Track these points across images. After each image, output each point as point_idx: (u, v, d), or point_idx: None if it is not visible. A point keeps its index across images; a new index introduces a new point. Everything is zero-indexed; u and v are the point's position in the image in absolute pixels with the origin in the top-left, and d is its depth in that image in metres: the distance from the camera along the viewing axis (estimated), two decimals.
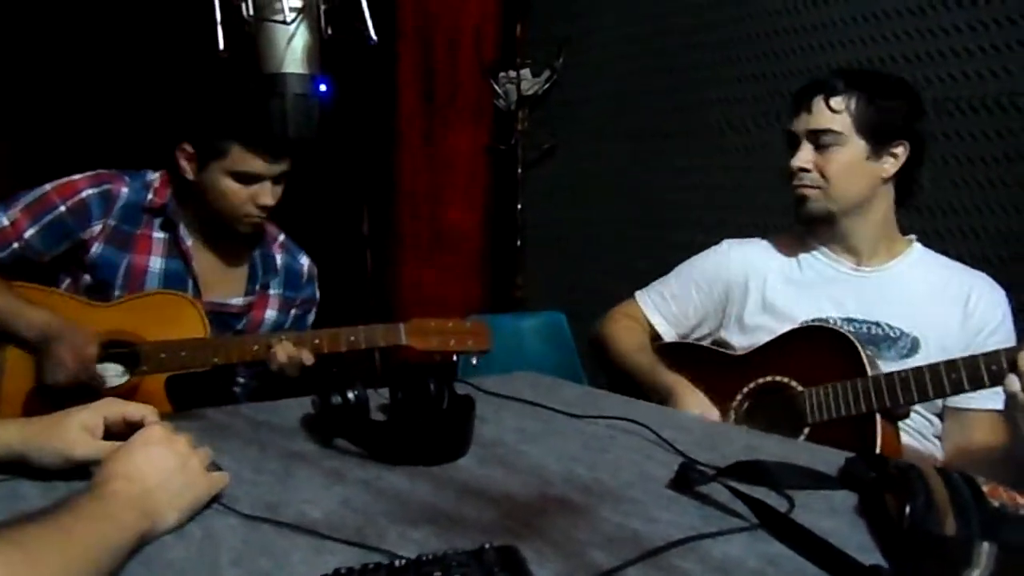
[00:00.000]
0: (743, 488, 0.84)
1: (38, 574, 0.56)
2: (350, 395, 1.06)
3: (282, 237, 1.71)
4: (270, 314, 1.66)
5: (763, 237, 1.64)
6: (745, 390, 1.43)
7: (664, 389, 1.47)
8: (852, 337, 1.34)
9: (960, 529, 0.70)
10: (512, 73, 2.89)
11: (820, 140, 1.42)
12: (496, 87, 2.93)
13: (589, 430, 1.17)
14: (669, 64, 2.56)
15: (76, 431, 0.85)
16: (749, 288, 1.55)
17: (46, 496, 0.83)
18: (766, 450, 1.08)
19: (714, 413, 1.41)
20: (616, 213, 2.78)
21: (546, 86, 2.90)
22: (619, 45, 2.73)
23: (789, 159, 1.47)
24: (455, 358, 1.55)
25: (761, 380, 1.42)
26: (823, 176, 1.43)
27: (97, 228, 1.49)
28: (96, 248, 1.49)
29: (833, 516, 0.83)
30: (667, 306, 1.66)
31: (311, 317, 1.75)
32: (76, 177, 1.49)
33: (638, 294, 1.71)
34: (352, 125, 2.55)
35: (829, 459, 1.00)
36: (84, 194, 1.48)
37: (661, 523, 0.80)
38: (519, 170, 2.98)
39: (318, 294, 1.76)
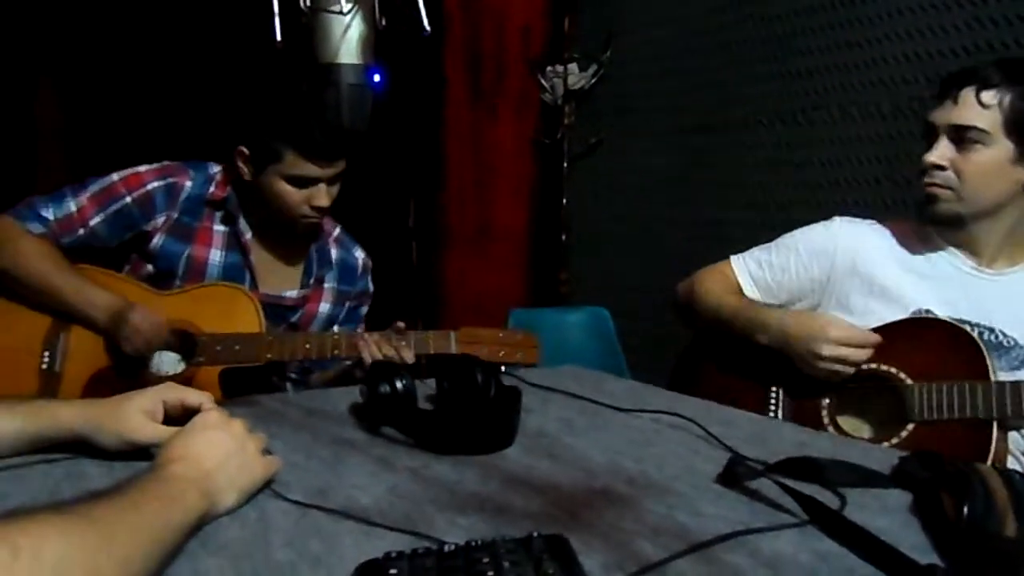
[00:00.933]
0: (793, 484, 0.83)
1: (110, 549, 0.57)
2: (398, 384, 1.07)
3: (337, 231, 1.73)
4: (324, 307, 1.68)
5: (878, 221, 1.54)
6: None
7: (775, 326, 1.41)
8: (976, 337, 1.26)
9: (1021, 529, 0.68)
10: (559, 67, 2.88)
11: (962, 136, 1.30)
12: (543, 81, 2.93)
13: (634, 423, 1.17)
14: (717, 57, 2.53)
15: (136, 415, 0.88)
16: (857, 269, 1.46)
17: (108, 475, 0.85)
18: (816, 447, 1.06)
19: (857, 333, 1.33)
20: (662, 208, 2.76)
21: (593, 80, 2.89)
22: (666, 39, 2.70)
23: (924, 150, 1.35)
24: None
25: (864, 366, 1.35)
26: (958, 176, 1.31)
27: (161, 220, 1.53)
28: (158, 239, 1.53)
29: (886, 515, 0.81)
30: (762, 274, 1.58)
31: (364, 309, 1.77)
32: (143, 168, 1.53)
33: (733, 258, 1.63)
34: (399, 118, 2.57)
35: (881, 458, 0.98)
36: (150, 186, 1.51)
37: (709, 517, 0.80)
38: (565, 164, 2.97)
39: (372, 287, 1.77)
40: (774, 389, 1.47)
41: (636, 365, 2.29)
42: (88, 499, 0.63)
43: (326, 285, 1.69)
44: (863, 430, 1.38)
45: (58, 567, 0.53)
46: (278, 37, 0.66)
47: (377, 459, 0.97)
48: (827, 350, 1.34)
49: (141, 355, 1.41)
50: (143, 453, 0.87)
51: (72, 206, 1.49)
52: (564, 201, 3.00)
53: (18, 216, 1.46)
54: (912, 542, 0.74)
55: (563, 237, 3.02)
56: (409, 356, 1.45)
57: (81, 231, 1.49)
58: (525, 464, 0.96)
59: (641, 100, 2.81)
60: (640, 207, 2.84)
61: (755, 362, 1.48)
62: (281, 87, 1.52)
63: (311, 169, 1.48)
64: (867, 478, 0.90)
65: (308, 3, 0.63)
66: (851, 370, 1.35)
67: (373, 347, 1.44)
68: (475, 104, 2.93)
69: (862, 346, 1.34)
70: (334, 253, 1.70)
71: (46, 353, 1.44)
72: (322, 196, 1.52)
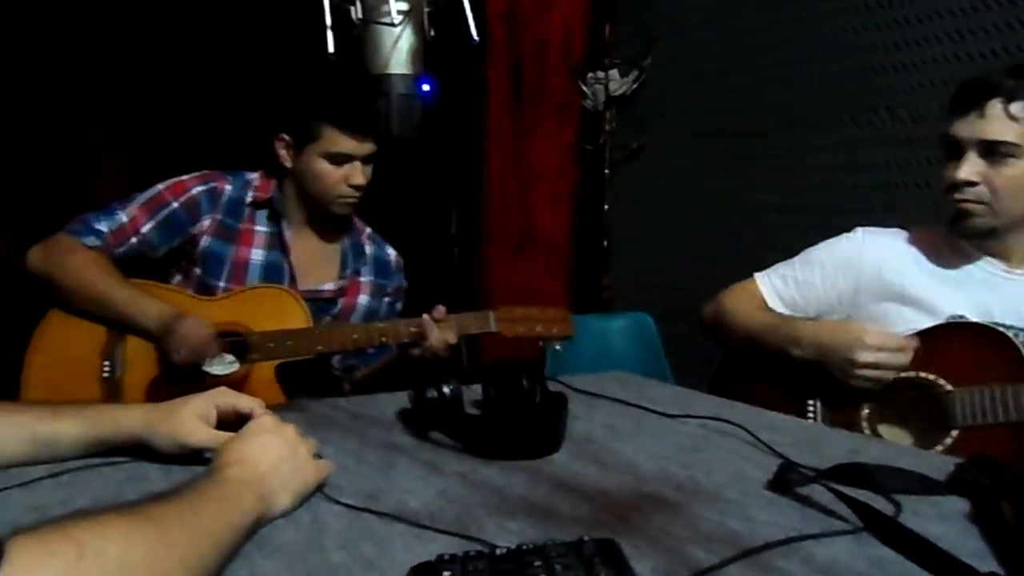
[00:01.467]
0: (846, 491, 0.82)
1: (170, 549, 0.59)
2: (445, 390, 1.08)
3: (369, 230, 1.81)
4: (363, 299, 1.74)
5: (902, 228, 1.53)
6: None
7: (809, 339, 1.40)
8: (1013, 339, 1.24)
9: None
10: (600, 73, 2.88)
11: (993, 150, 1.27)
12: (584, 87, 2.93)
13: (681, 429, 1.16)
14: (759, 60, 2.51)
15: (190, 419, 0.90)
16: (884, 279, 1.45)
17: (167, 478, 0.88)
18: (868, 453, 1.05)
19: (892, 339, 1.31)
20: (704, 213, 2.74)
21: (634, 86, 2.88)
22: (707, 43, 2.69)
23: (948, 167, 1.33)
24: (542, 344, 1.58)
25: (901, 374, 1.33)
26: (991, 190, 1.29)
27: (206, 223, 1.60)
28: (205, 241, 1.60)
29: (943, 522, 0.80)
30: (788, 290, 1.58)
31: (400, 305, 1.83)
32: (185, 177, 1.61)
33: (757, 275, 1.63)
34: (442, 125, 2.59)
35: (937, 464, 0.96)
36: (194, 191, 1.59)
37: (760, 523, 0.79)
38: (606, 170, 2.97)
39: (406, 283, 1.84)
40: (811, 402, 1.45)
41: (680, 370, 2.27)
42: (148, 500, 0.65)
43: (363, 278, 1.75)
44: (904, 438, 1.36)
45: (121, 565, 0.55)
46: (330, 49, 0.67)
47: (426, 463, 0.98)
48: (865, 356, 1.32)
49: (190, 364, 1.45)
50: (201, 457, 0.89)
51: (123, 217, 1.55)
52: (605, 207, 3.00)
53: (73, 232, 1.53)
54: (971, 549, 0.73)
55: (605, 243, 3.01)
56: (452, 336, 1.51)
57: (134, 239, 1.56)
58: (572, 469, 0.97)
59: (682, 104, 2.80)
60: (682, 212, 2.83)
61: (789, 375, 1.46)
62: (318, 75, 1.57)
63: (347, 144, 1.56)
64: (922, 485, 0.89)
65: (360, 15, 0.65)
66: (891, 376, 1.33)
67: (432, 328, 1.49)
68: (517, 111, 2.94)
69: (900, 350, 1.32)
70: (368, 248, 1.78)
71: (106, 362, 1.49)
72: (358, 174, 1.60)
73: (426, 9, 0.73)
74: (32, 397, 1.45)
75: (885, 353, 1.32)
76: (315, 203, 1.65)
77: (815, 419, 1.44)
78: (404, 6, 0.69)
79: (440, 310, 1.53)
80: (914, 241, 1.49)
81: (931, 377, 1.31)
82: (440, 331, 1.50)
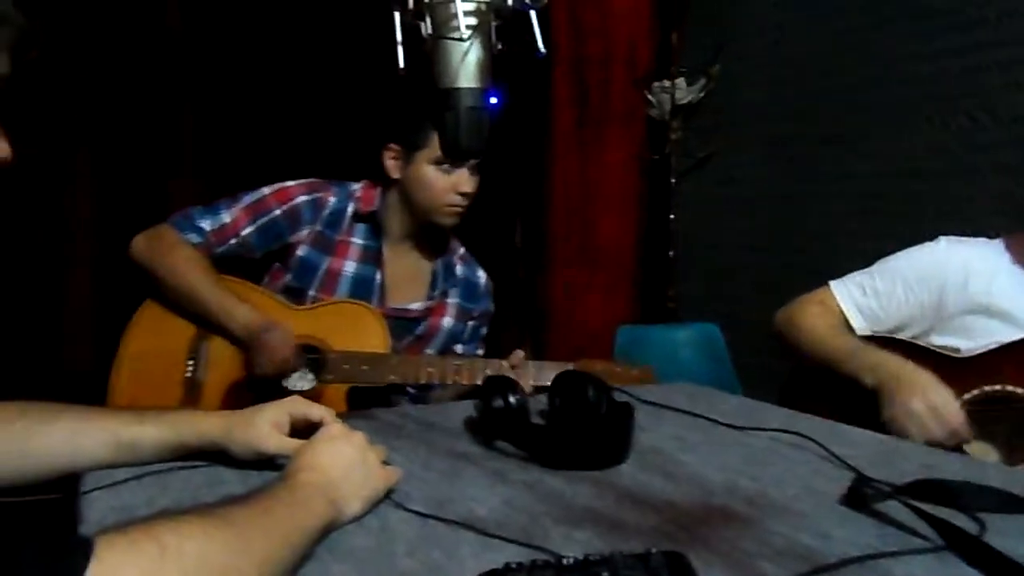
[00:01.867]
0: (925, 508, 0.79)
1: (247, 551, 0.61)
2: (511, 399, 1.09)
3: (462, 250, 1.80)
4: (447, 321, 1.73)
5: (987, 237, 1.49)
6: (966, 396, 1.32)
7: (882, 370, 1.36)
8: None
9: None
10: (666, 82, 2.86)
11: None
12: (649, 97, 2.91)
13: (751, 442, 1.14)
14: (829, 67, 2.46)
15: (264, 426, 0.93)
16: (969, 291, 1.41)
17: (243, 482, 0.90)
18: (946, 469, 1.01)
19: (953, 406, 1.28)
20: (773, 222, 2.68)
21: (701, 94, 2.85)
22: (777, 49, 2.64)
23: None
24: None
25: (988, 388, 1.30)
26: None
27: (305, 232, 1.62)
28: (302, 251, 1.62)
29: None
30: (867, 301, 1.53)
31: (485, 330, 1.82)
32: (291, 184, 1.64)
33: (833, 284, 1.59)
34: (505, 136, 2.61)
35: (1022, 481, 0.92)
36: (298, 200, 1.62)
37: (834, 539, 0.77)
38: (672, 180, 2.94)
39: (493, 307, 1.82)
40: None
41: (749, 382, 2.23)
42: (226, 503, 0.67)
43: (450, 300, 1.74)
44: (991, 454, 1.31)
45: (199, 564, 0.57)
46: (401, 64, 0.69)
47: (492, 472, 0.98)
48: (923, 405, 1.29)
49: (271, 377, 1.48)
50: (275, 462, 0.92)
51: (227, 217, 1.59)
52: (671, 217, 2.97)
53: (177, 226, 1.57)
54: None
55: (671, 253, 2.98)
56: (527, 386, 1.45)
57: (233, 241, 1.59)
58: (639, 481, 0.96)
59: (752, 112, 2.75)
60: (751, 221, 2.78)
61: (860, 399, 1.42)
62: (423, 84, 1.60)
63: None
64: (1009, 503, 0.85)
65: (429, 31, 0.66)
66: (938, 432, 1.28)
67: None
68: (581, 122, 2.94)
69: (949, 423, 1.28)
70: (459, 269, 1.77)
71: (190, 362, 1.54)
72: (466, 182, 1.61)
73: (494, 23, 0.74)
74: (121, 386, 1.51)
75: (935, 419, 1.29)
76: (420, 214, 1.65)
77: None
78: (473, 20, 0.70)
79: (518, 356, 1.52)
80: (1000, 251, 1.44)
81: (1019, 391, 1.26)
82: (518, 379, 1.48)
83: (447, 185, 1.61)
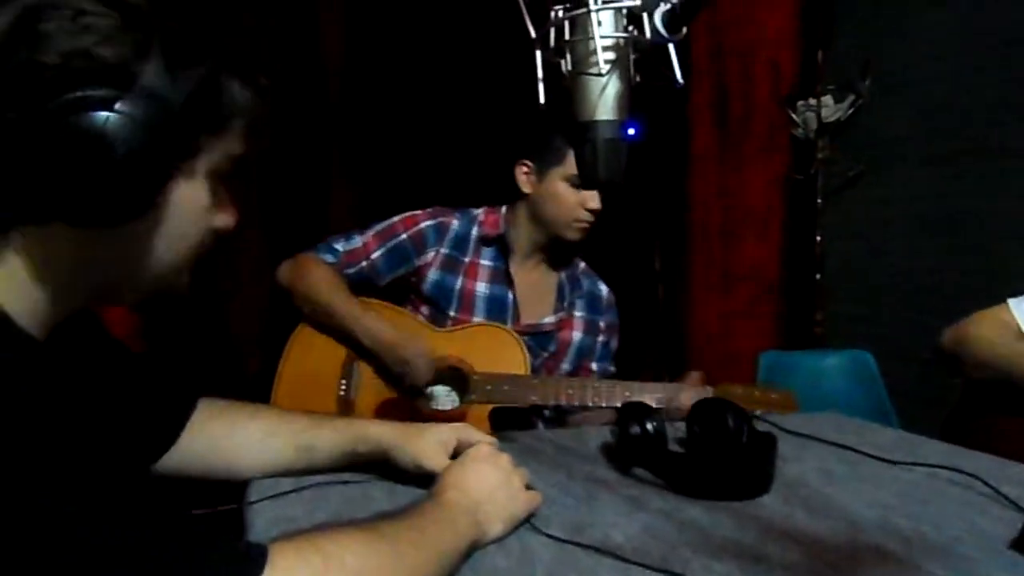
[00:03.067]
0: None
1: (401, 565, 0.66)
2: (648, 426, 1.08)
3: (583, 264, 1.85)
4: (577, 335, 1.78)
5: None
6: None
7: None
8: None
9: None
10: (812, 101, 2.77)
11: None
12: (793, 116, 2.82)
13: (905, 477, 1.08)
14: (989, 76, 2.29)
15: (432, 444, 0.97)
16: None
17: (390, 498, 0.95)
18: None
19: None
20: (931, 243, 2.52)
21: (850, 111, 2.73)
22: (931, 61, 2.49)
23: None
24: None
25: None
26: None
27: (431, 255, 1.71)
28: (433, 274, 1.71)
29: None
30: None
31: (615, 344, 1.84)
32: (417, 212, 1.74)
33: (1012, 302, 1.50)
34: (644, 160, 2.61)
35: None
36: (423, 225, 1.71)
37: None
38: (819, 200, 2.83)
39: (618, 320, 1.85)
40: None
41: (905, 414, 2.10)
42: (381, 518, 0.72)
43: (576, 313, 1.79)
44: None
45: (359, 575, 0.62)
46: (541, 100, 0.72)
47: (629, 499, 0.99)
48: None
49: (415, 387, 1.55)
50: (422, 481, 0.96)
51: (359, 241, 1.70)
52: (818, 239, 2.85)
53: (316, 250, 1.70)
54: None
55: (817, 276, 2.86)
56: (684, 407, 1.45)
57: (364, 263, 1.69)
58: (782, 513, 0.93)
59: (907, 128, 2.61)
60: (907, 242, 2.62)
61: None
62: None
63: None
64: None
65: (569, 67, 0.69)
66: None
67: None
68: (722, 143, 2.89)
69: None
70: (583, 282, 1.83)
71: (343, 381, 1.63)
72: (594, 199, 1.66)
73: (632, 56, 0.75)
74: (280, 405, 1.60)
75: None
76: (548, 228, 1.71)
77: None
78: (611, 55, 0.72)
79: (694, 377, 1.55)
80: None
81: None
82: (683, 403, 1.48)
83: (576, 201, 1.66)
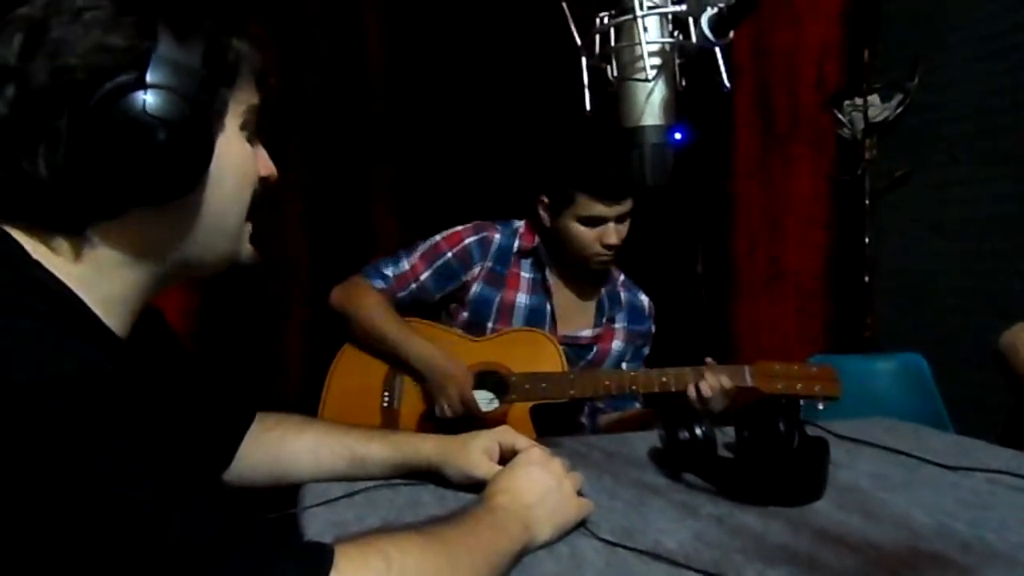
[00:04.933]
0: None
1: (456, 567, 0.67)
2: (697, 431, 1.08)
3: (623, 277, 1.86)
4: (616, 345, 1.80)
5: None
6: None
7: None
8: None
9: None
10: (858, 100, 2.72)
11: None
12: (839, 116, 2.78)
13: (964, 483, 1.05)
14: None
15: (477, 453, 0.99)
16: None
17: (441, 504, 0.96)
18: None
19: None
20: (986, 244, 2.46)
21: (898, 110, 2.68)
22: (982, 58, 2.44)
23: None
24: (800, 401, 1.52)
25: None
26: None
27: (477, 270, 1.73)
28: (476, 288, 1.73)
29: None
30: None
31: (647, 350, 1.87)
32: (459, 228, 1.76)
33: None
34: (687, 165, 2.59)
35: None
36: (466, 241, 1.73)
37: None
38: (866, 201, 2.78)
39: (654, 328, 1.87)
40: None
41: (960, 419, 2.05)
42: (434, 522, 0.73)
43: (617, 325, 1.81)
44: None
45: None
46: (587, 107, 0.72)
47: (679, 504, 0.98)
48: None
49: (455, 404, 1.57)
50: (471, 485, 0.97)
51: (406, 265, 1.73)
52: (866, 240, 2.80)
53: (366, 275, 1.73)
54: None
55: (866, 279, 2.81)
56: (727, 382, 1.50)
57: (413, 285, 1.73)
58: (836, 519, 0.92)
59: (958, 126, 2.55)
60: (959, 243, 2.56)
61: None
62: (574, 141, 1.68)
63: (599, 209, 1.62)
64: None
65: (616, 73, 0.69)
66: None
67: (697, 383, 1.50)
68: (766, 145, 2.85)
69: None
70: (623, 295, 1.84)
71: (386, 393, 1.67)
72: (611, 234, 1.65)
73: (678, 61, 0.76)
74: (327, 416, 1.65)
75: None
76: (570, 260, 1.73)
77: None
78: (657, 61, 0.72)
79: (708, 362, 1.55)
80: None
81: None
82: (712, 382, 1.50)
83: (593, 238, 1.65)
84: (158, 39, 0.63)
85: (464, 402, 1.56)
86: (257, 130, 0.77)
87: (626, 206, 1.64)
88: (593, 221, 1.64)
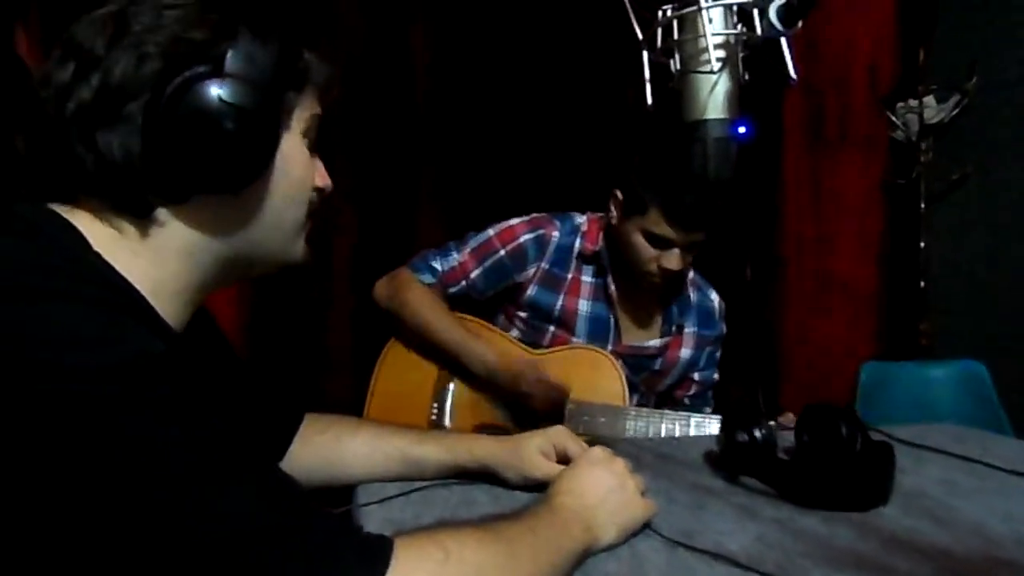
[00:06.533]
0: None
1: (516, 564, 0.66)
2: (756, 433, 1.05)
3: (692, 274, 1.73)
4: (685, 352, 1.70)
5: None
6: None
7: None
8: None
9: None
10: (912, 102, 2.66)
11: None
12: (893, 118, 2.72)
13: None
14: None
15: (534, 454, 0.98)
16: None
17: (495, 502, 0.95)
18: None
19: None
20: None
21: (955, 112, 2.61)
22: None
23: None
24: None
25: None
26: None
27: (532, 271, 1.63)
28: (532, 290, 1.64)
29: None
30: None
31: (719, 353, 1.76)
32: (514, 222, 1.65)
33: None
34: (736, 168, 2.55)
35: None
36: (522, 239, 1.62)
37: None
38: (921, 205, 2.71)
39: (725, 328, 1.76)
40: None
41: (1021, 427, 1.99)
42: (496, 519, 0.72)
43: (686, 331, 1.70)
44: None
45: (476, 571, 0.62)
46: (649, 101, 0.71)
47: (739, 507, 0.96)
48: None
49: (549, 405, 1.51)
50: (528, 486, 0.96)
51: (456, 259, 1.65)
52: (921, 245, 2.73)
53: (414, 268, 1.66)
54: None
55: (921, 284, 2.74)
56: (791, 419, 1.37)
57: (463, 282, 1.65)
58: (905, 525, 0.89)
59: (1015, 127, 2.47)
60: (1019, 246, 2.49)
61: None
62: (665, 147, 1.55)
63: (669, 231, 1.50)
64: None
65: (678, 67, 0.68)
66: None
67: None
68: (816, 149, 2.80)
69: None
70: (693, 297, 1.72)
71: (434, 405, 1.61)
72: (673, 260, 1.53)
73: (741, 53, 0.74)
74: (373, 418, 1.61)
75: None
76: (627, 263, 1.61)
77: None
78: (722, 53, 0.71)
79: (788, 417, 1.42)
80: None
81: None
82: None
83: (650, 256, 1.54)
84: (237, 37, 0.67)
85: (552, 386, 1.49)
86: (315, 143, 0.78)
87: (697, 236, 1.53)
88: (658, 240, 1.52)
